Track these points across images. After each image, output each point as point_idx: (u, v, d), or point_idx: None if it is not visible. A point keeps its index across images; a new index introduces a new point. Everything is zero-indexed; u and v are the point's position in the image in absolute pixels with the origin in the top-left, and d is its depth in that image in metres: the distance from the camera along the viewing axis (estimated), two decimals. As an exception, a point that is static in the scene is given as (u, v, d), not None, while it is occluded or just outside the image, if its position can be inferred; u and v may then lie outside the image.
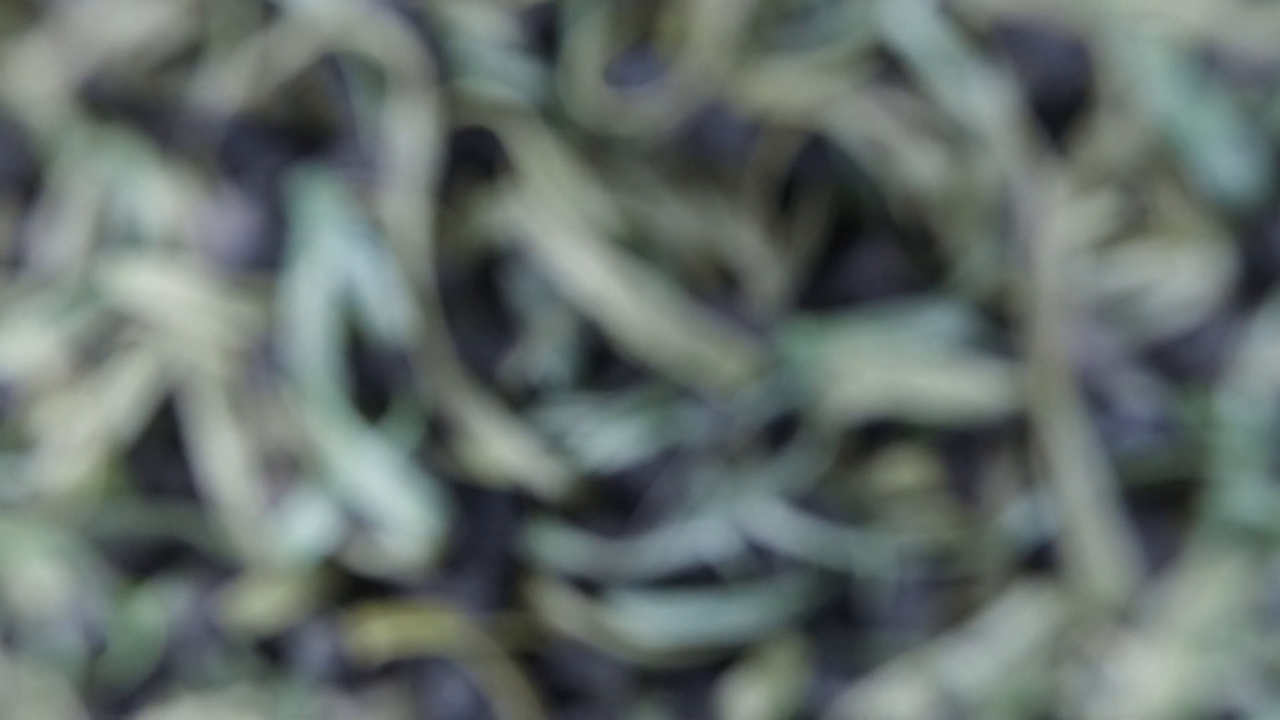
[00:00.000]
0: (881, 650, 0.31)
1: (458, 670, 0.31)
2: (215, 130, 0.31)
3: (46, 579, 0.32)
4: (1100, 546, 0.30)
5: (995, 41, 0.30)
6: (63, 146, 0.32)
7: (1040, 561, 0.31)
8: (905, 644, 0.31)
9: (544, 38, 0.30)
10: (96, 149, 0.31)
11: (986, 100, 0.30)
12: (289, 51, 0.31)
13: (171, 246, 0.31)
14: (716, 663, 0.31)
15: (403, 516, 0.31)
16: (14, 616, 0.33)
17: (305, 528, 0.31)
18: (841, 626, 0.31)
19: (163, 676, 0.32)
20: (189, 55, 0.31)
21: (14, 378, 0.32)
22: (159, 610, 0.32)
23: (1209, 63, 0.30)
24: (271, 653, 0.32)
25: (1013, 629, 0.30)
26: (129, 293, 0.31)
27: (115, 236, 0.32)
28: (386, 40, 0.30)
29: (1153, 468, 0.30)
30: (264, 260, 0.31)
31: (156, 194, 0.31)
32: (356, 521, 0.31)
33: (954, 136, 0.30)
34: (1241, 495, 0.30)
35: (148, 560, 0.32)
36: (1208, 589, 0.30)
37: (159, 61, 0.31)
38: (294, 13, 0.31)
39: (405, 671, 0.32)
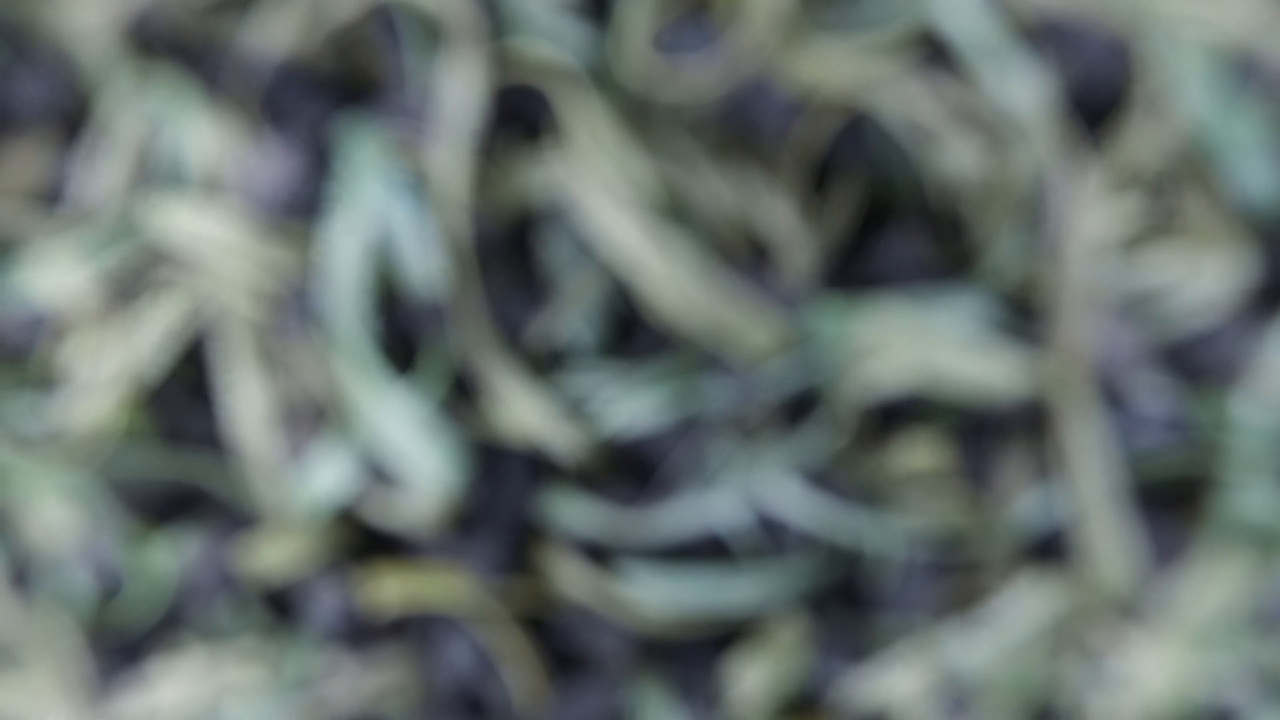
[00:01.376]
0: (886, 632, 0.30)
1: (464, 631, 0.30)
2: (262, 75, 0.30)
3: (61, 519, 0.31)
4: (1108, 539, 0.29)
5: (1040, 36, 0.29)
6: (109, 82, 0.31)
7: (1048, 551, 0.30)
8: (910, 626, 0.30)
9: (596, 0, 0.30)
10: (142, 87, 0.30)
11: (1027, 93, 0.29)
12: (341, 1, 0.30)
13: (211, 188, 0.30)
14: (721, 637, 0.30)
15: (423, 471, 0.30)
16: (26, 555, 0.31)
17: (324, 479, 0.30)
18: (847, 606, 0.30)
19: (171, 624, 0.31)
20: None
21: (46, 311, 0.31)
22: (172, 557, 0.31)
23: (1245, 72, 0.29)
24: (280, 605, 0.31)
25: (1017, 616, 0.30)
26: (166, 231, 0.30)
27: (156, 174, 0.31)
28: (440, -5, 0.29)
29: (1164, 465, 0.30)
30: (303, 206, 0.30)
31: (200, 135, 0.30)
32: (374, 475, 0.30)
33: (992, 127, 0.29)
34: (1250, 497, 0.29)
35: (164, 505, 0.31)
36: (1211, 588, 0.29)
37: (210, 3, 0.30)
38: (350, -38, 0.30)
39: (412, 630, 0.31)
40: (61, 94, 0.31)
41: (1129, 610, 0.30)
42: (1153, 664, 0.30)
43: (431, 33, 0.30)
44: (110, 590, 0.31)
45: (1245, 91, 0.29)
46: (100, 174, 0.31)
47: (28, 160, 0.32)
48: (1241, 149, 0.29)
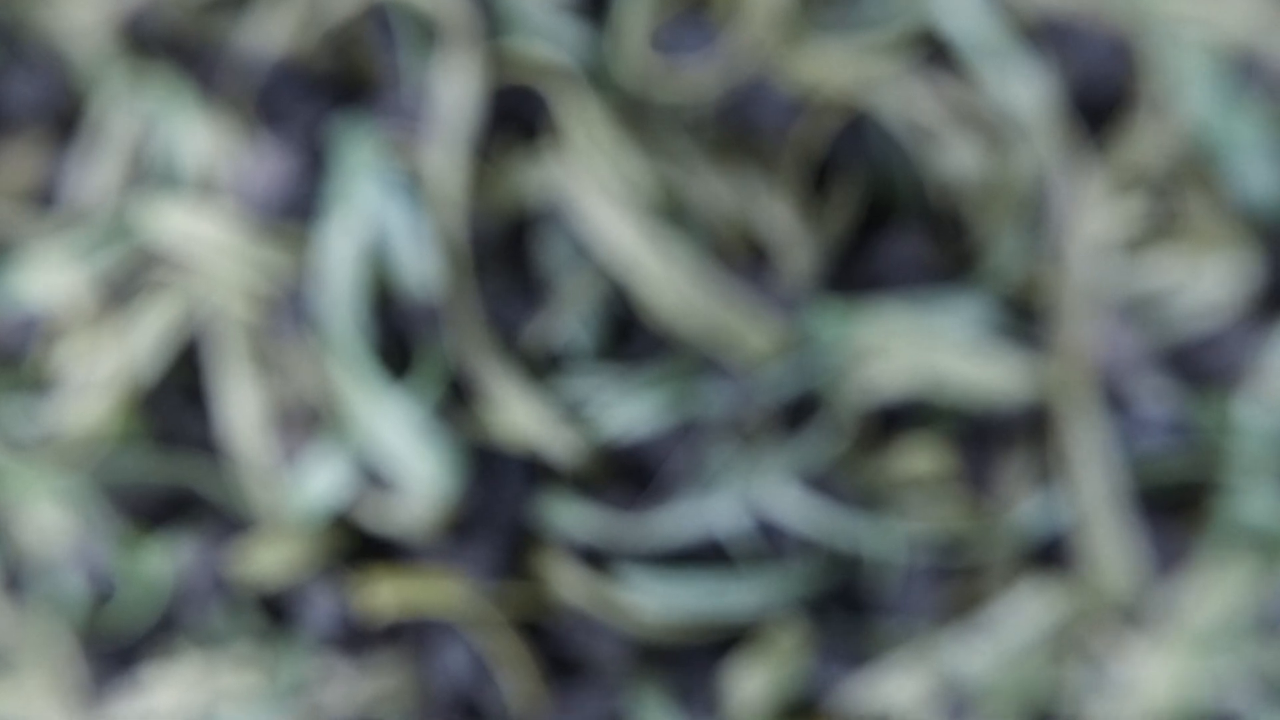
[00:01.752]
0: (886, 637, 0.30)
1: (460, 637, 0.30)
2: (257, 75, 0.30)
3: (55, 522, 0.30)
4: (1110, 544, 0.29)
5: (1041, 35, 0.29)
6: (103, 82, 0.30)
7: (1050, 556, 0.30)
8: (910, 632, 0.29)
9: None
10: (137, 86, 0.30)
11: (1028, 93, 0.29)
12: (336, 0, 0.30)
13: (206, 188, 0.30)
14: (720, 642, 0.30)
15: (418, 475, 0.29)
16: (20, 559, 0.31)
17: (319, 483, 0.30)
18: (847, 611, 0.30)
19: (166, 628, 0.31)
20: (237, -2, 0.30)
21: (39, 313, 0.30)
22: (166, 561, 0.30)
23: (1248, 72, 0.29)
24: (275, 610, 0.31)
25: (1018, 622, 0.29)
26: (160, 232, 0.30)
27: (150, 175, 0.30)
28: (436, -6, 0.29)
29: (1166, 469, 0.29)
30: (297, 208, 0.30)
31: (194, 135, 0.30)
32: (369, 479, 0.30)
33: (993, 127, 0.29)
34: (1252, 501, 0.29)
35: (158, 509, 0.31)
36: (1214, 593, 0.29)
37: (205, 2, 0.30)
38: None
39: (408, 635, 0.30)
40: (55, 93, 0.31)
41: (1131, 615, 0.30)
42: (1155, 669, 0.29)
43: (427, 32, 0.30)
44: (104, 595, 0.31)
45: (1247, 92, 0.29)
46: (94, 174, 0.31)
47: (21, 160, 0.31)
48: (1244, 150, 0.29)
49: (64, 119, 0.31)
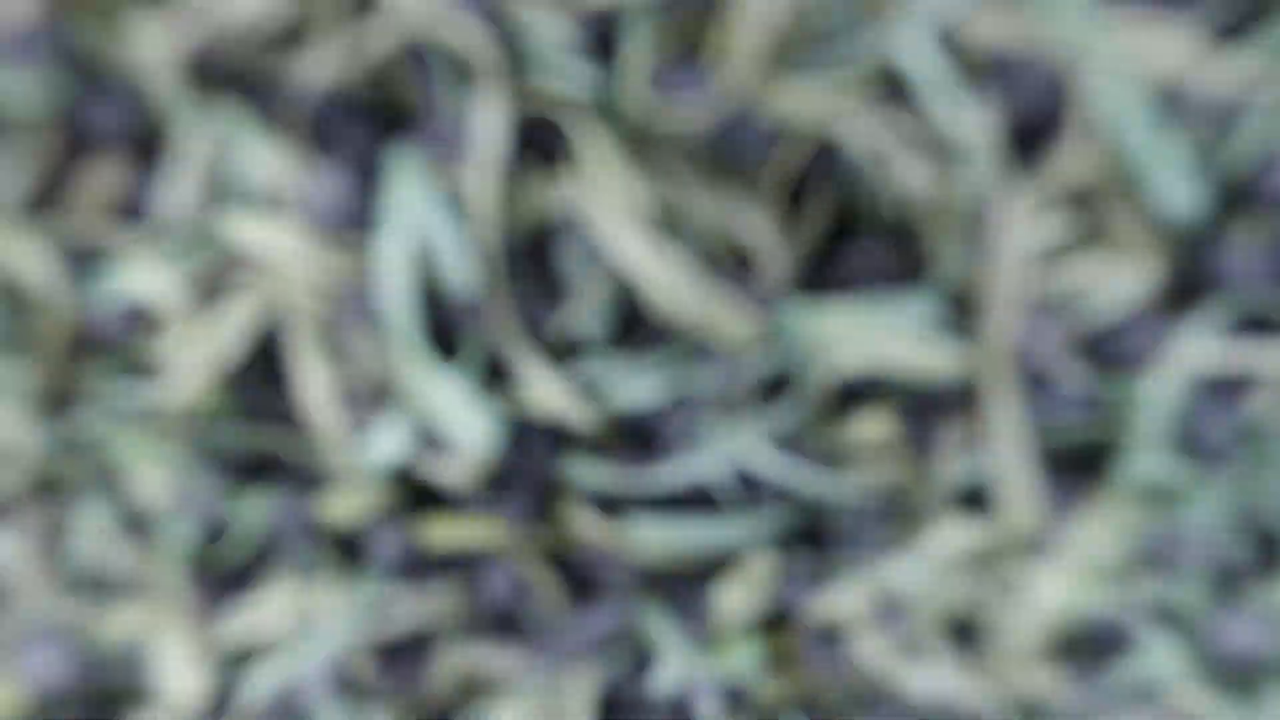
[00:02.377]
0: (840, 564, 0.20)
1: (501, 566, 0.21)
2: (311, 105, 0.20)
3: (163, 481, 0.21)
4: (1021, 492, 0.20)
5: (985, 71, 0.19)
6: (177, 110, 0.20)
7: (973, 501, 0.21)
8: (859, 559, 0.20)
9: (603, 43, 0.20)
10: (206, 115, 0.20)
11: (971, 122, 0.19)
12: (379, 39, 0.20)
13: (274, 203, 0.20)
14: (708, 570, 0.21)
15: (465, 438, 0.20)
16: (138, 511, 0.21)
17: (384, 445, 0.21)
18: (810, 545, 0.21)
19: (263, 562, 0.22)
20: (291, 37, 0.20)
21: (139, 308, 0.21)
22: (260, 510, 0.21)
23: (1174, 101, 0.19)
24: (350, 548, 0.22)
25: (946, 551, 0.20)
26: (239, 240, 0.20)
27: (225, 192, 0.20)
28: (467, 35, 0.19)
29: (1077, 435, 0.20)
30: (353, 221, 0.20)
31: (260, 157, 0.20)
32: (425, 441, 0.20)
33: (941, 152, 0.19)
34: (1146, 461, 0.20)
35: (248, 471, 0.21)
36: (1106, 531, 0.20)
37: (265, 40, 0.20)
38: (385, 5, 0.19)
39: (458, 566, 0.21)
40: (134, 119, 0.21)
41: (1035, 548, 0.21)
42: (1052, 590, 0.20)
43: (460, 69, 0.20)
44: (212, 537, 0.22)
45: (1172, 119, 0.20)
46: (175, 191, 0.21)
47: (105, 179, 0.22)
48: (1164, 171, 0.20)
49: (143, 143, 0.21)
